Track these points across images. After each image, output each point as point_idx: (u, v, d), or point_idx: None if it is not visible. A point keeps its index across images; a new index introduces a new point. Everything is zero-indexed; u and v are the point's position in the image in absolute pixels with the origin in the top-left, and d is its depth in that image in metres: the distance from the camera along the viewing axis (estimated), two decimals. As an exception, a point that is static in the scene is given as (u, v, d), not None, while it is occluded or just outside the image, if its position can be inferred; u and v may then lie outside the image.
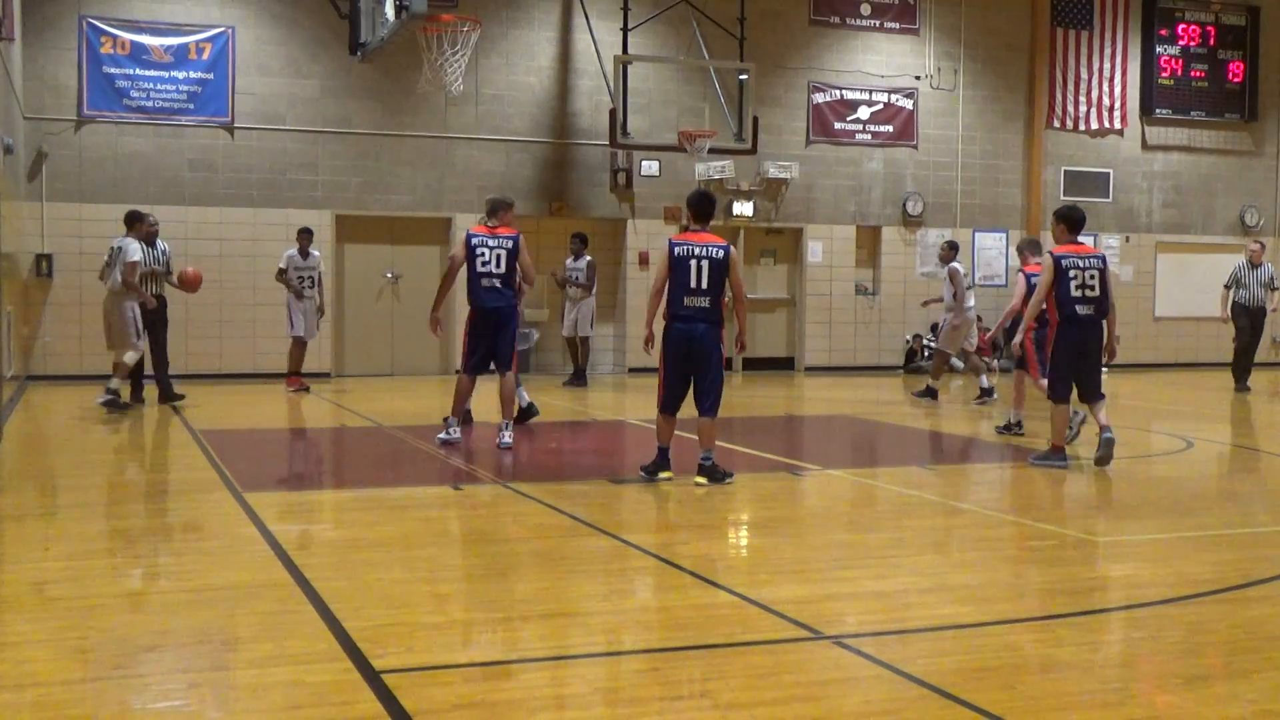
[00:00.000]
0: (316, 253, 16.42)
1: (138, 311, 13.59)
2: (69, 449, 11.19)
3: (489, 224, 10.78)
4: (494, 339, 10.68)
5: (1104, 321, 9.83)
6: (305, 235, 16.30)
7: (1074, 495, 8.99)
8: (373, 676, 4.46)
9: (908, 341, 21.50)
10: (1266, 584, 6.14)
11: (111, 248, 13.82)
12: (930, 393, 15.57)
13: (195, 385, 16.91)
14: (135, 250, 13.51)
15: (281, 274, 16.23)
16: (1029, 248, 12.74)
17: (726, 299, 9.02)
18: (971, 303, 15.68)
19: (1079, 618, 5.58)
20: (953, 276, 15.50)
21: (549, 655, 4.87)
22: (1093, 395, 9.89)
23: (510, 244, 10.62)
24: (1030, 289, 11.16)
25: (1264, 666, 4.75)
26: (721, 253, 8.88)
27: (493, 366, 10.84)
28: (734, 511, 8.41)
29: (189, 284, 14.32)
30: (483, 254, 10.55)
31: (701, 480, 8.93)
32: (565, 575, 6.19)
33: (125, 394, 13.78)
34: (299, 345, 16.26)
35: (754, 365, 20.52)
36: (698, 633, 5.16)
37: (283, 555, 6.43)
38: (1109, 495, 8.91)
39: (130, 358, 13.58)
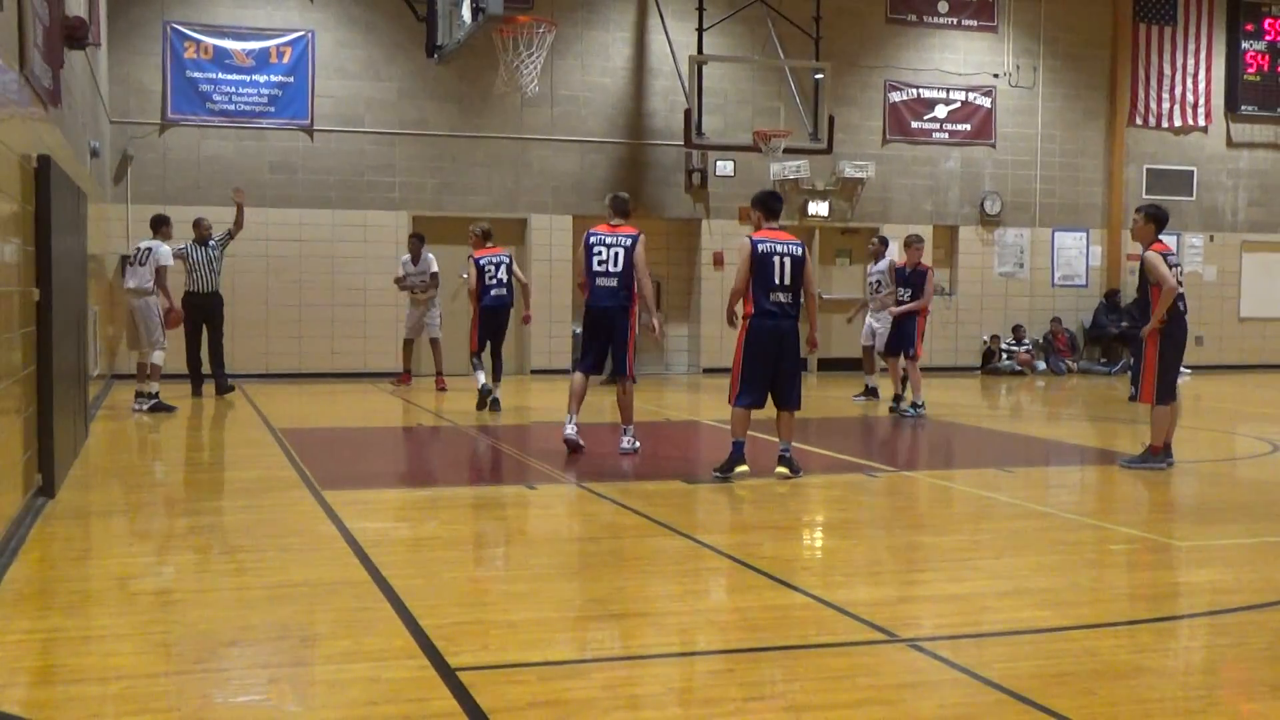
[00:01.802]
0: (429, 255, 16.93)
1: (160, 312, 14.08)
2: (152, 447, 11.39)
3: (612, 222, 10.59)
4: (606, 340, 10.44)
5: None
6: (415, 240, 17.02)
7: (1155, 499, 8.85)
8: (448, 674, 4.49)
9: (985, 342, 21.27)
10: (1356, 591, 5.99)
11: (139, 248, 14.27)
12: (872, 392, 15.67)
13: (275, 385, 17.16)
14: (166, 254, 14.00)
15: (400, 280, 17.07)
16: None
17: None
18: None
19: (1161, 623, 5.49)
20: (893, 271, 14.96)
21: (623, 655, 4.87)
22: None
23: (629, 242, 10.36)
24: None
25: (1353, 675, 4.64)
26: (800, 250, 9.09)
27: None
28: (809, 513, 8.37)
29: (170, 324, 14.52)
30: (600, 252, 10.37)
31: (784, 470, 9.06)
32: (639, 575, 6.19)
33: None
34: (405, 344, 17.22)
35: (830, 365, 20.40)
36: (772, 634, 5.14)
37: (360, 553, 6.50)
38: (1191, 499, 8.75)
39: (158, 358, 14.01)
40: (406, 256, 16.94)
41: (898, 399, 14.25)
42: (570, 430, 10.45)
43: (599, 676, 4.58)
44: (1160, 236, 9.84)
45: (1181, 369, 9.81)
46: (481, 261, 13.90)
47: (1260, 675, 4.67)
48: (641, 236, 10.49)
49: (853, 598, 5.68)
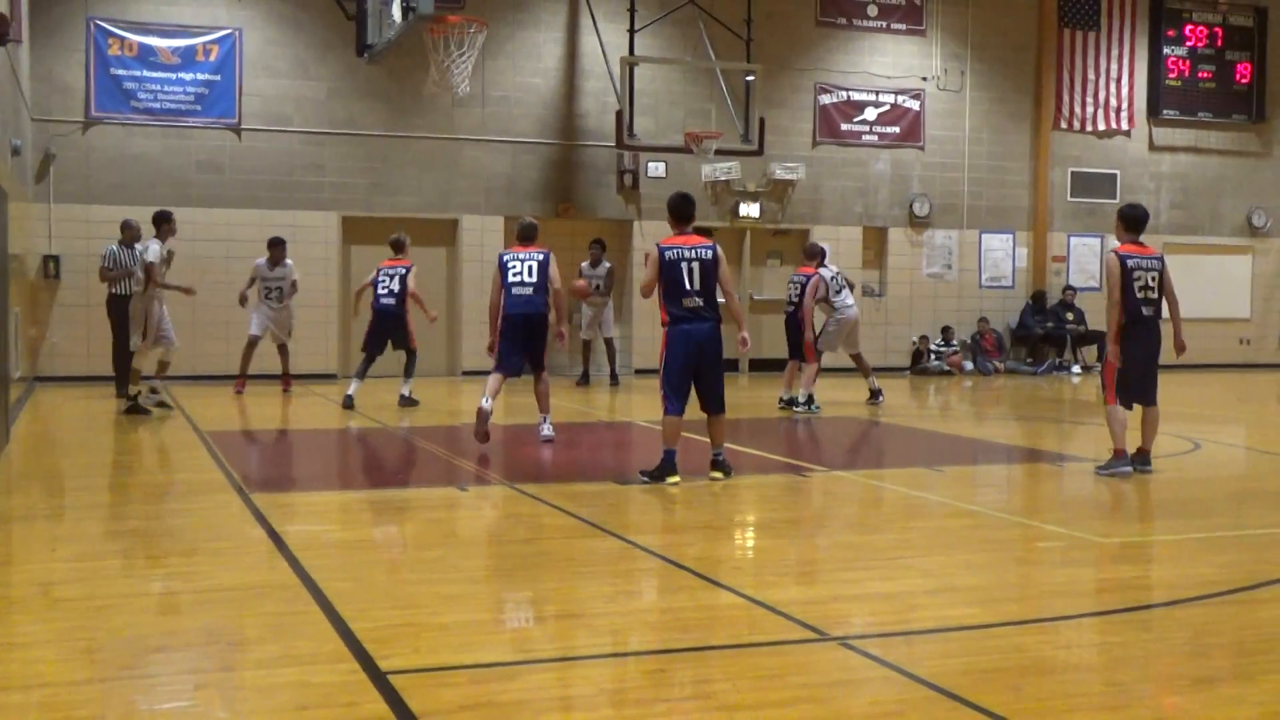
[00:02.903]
0: (289, 262, 16.19)
1: (166, 310, 13.83)
2: (76, 450, 11.21)
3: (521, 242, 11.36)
4: (527, 342, 11.02)
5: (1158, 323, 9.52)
6: (276, 246, 16.07)
7: (1081, 497, 8.98)
8: (379, 677, 4.46)
9: (914, 343, 21.48)
10: (1275, 585, 6.12)
11: (136, 248, 14.21)
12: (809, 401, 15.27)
13: (202, 387, 16.95)
14: (153, 251, 13.64)
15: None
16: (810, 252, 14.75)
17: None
18: (850, 301, 15.02)
19: (1086, 619, 5.58)
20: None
21: (555, 656, 4.87)
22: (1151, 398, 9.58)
23: (541, 257, 11.05)
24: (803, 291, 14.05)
25: (1272, 668, 4.74)
26: (710, 253, 9.04)
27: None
28: (740, 513, 8.41)
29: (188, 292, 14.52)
30: (514, 266, 10.96)
31: (718, 475, 9.07)
32: (571, 576, 6.19)
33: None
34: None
35: (760, 366, 20.50)
36: (703, 634, 5.16)
37: (289, 556, 6.44)
38: (1116, 497, 8.89)
39: (165, 355, 13.93)
40: (263, 260, 15.95)
41: (794, 401, 14.42)
42: (486, 403, 10.73)
43: (531, 678, 4.57)
44: (1141, 239, 9.64)
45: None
46: (380, 271, 14.69)
47: (1182, 669, 4.76)
48: (552, 255, 11.14)
49: (784, 597, 5.71)
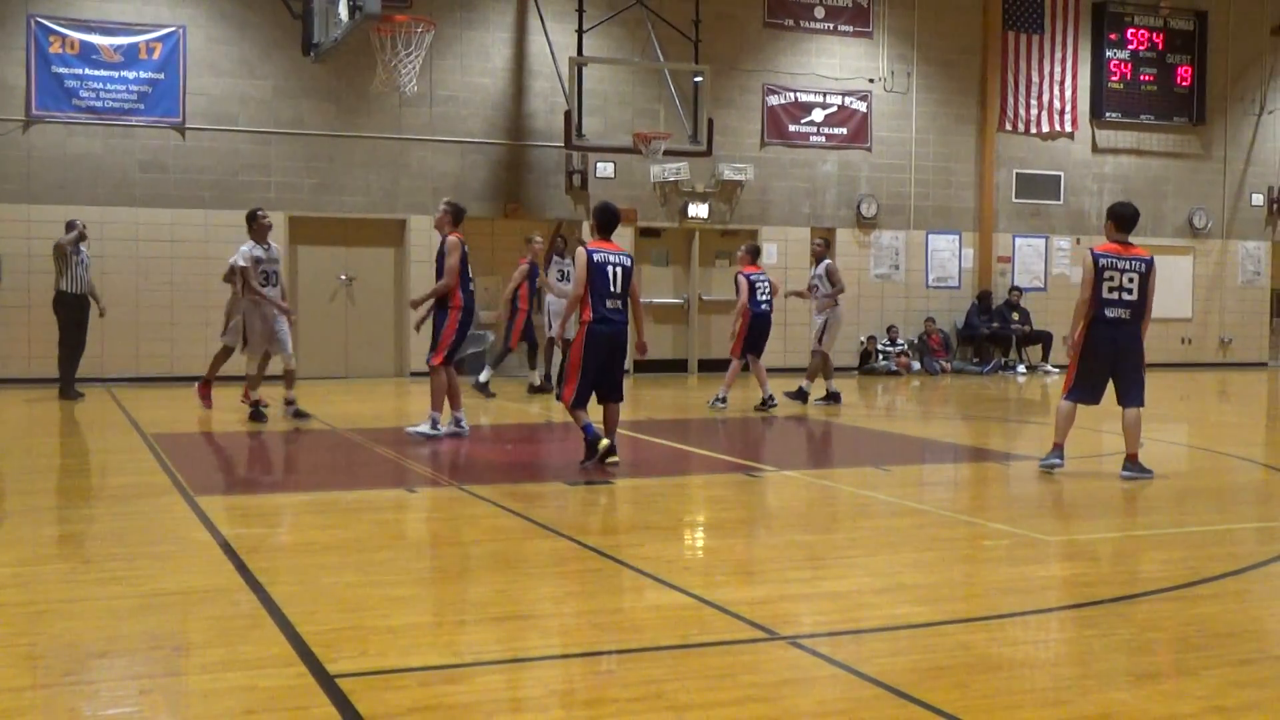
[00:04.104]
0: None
1: (252, 316, 12.85)
2: (17, 453, 11.04)
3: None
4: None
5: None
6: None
7: (1026, 495, 9.07)
8: (327, 681, 4.43)
9: (862, 343, 21.61)
10: (1215, 581, 6.21)
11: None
12: (802, 395, 15.34)
13: (146, 388, 16.76)
14: (243, 253, 12.85)
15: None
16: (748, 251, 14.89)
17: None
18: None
19: (1031, 616, 5.63)
20: (832, 274, 15.41)
21: (505, 658, 4.85)
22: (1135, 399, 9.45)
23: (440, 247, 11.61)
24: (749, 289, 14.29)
25: (1213, 663, 4.80)
26: (630, 261, 9.80)
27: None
28: (689, 513, 8.43)
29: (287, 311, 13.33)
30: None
31: (615, 459, 9.51)
32: (520, 577, 6.17)
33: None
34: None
35: (710, 367, 20.54)
36: (653, 634, 5.16)
37: (235, 559, 6.38)
38: (1060, 495, 8.99)
39: (286, 363, 13.11)
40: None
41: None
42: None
43: (480, 680, 4.56)
44: (1118, 239, 9.58)
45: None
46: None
47: (1125, 665, 4.82)
48: (450, 240, 11.42)
49: (733, 596, 5.73)
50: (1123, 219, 9.57)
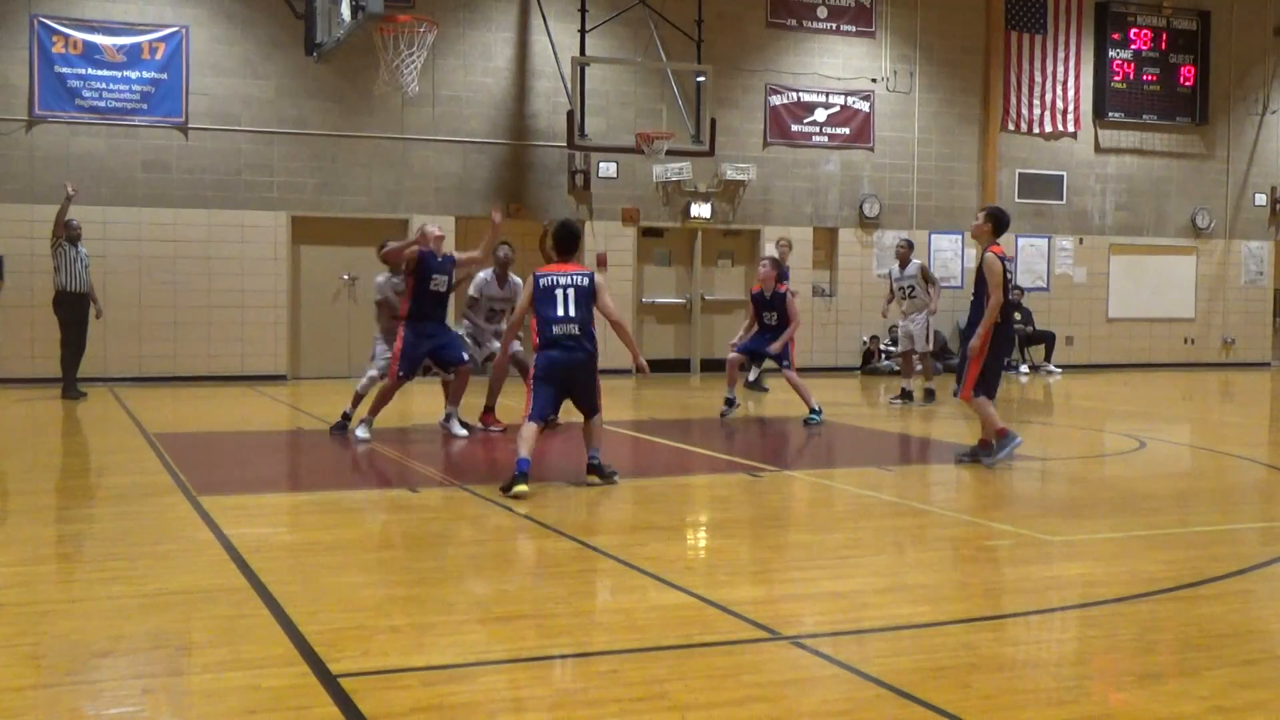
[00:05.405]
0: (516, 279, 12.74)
1: (395, 334, 11.70)
2: (19, 452, 11.05)
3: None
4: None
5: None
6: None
7: (1028, 495, 9.06)
8: (330, 681, 4.43)
9: (865, 343, 21.60)
10: (1218, 582, 6.21)
11: None
12: (929, 394, 15.68)
13: (149, 388, 16.77)
14: (387, 280, 12.16)
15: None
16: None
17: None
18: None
19: (1034, 616, 5.63)
20: (926, 273, 15.62)
21: (507, 658, 4.85)
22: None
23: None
24: None
25: (1215, 664, 4.80)
26: (589, 280, 8.92)
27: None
28: (692, 513, 8.42)
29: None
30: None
31: (594, 479, 8.93)
32: (522, 577, 6.17)
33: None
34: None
35: (712, 367, 20.54)
36: (656, 634, 5.16)
37: (238, 559, 6.38)
38: (1063, 495, 8.99)
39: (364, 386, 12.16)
40: (488, 273, 12.81)
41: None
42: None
43: (483, 680, 4.56)
44: (1002, 239, 10.09)
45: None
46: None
47: (1128, 666, 4.81)
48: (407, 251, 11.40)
49: (736, 596, 5.73)
50: (1005, 223, 10.14)
